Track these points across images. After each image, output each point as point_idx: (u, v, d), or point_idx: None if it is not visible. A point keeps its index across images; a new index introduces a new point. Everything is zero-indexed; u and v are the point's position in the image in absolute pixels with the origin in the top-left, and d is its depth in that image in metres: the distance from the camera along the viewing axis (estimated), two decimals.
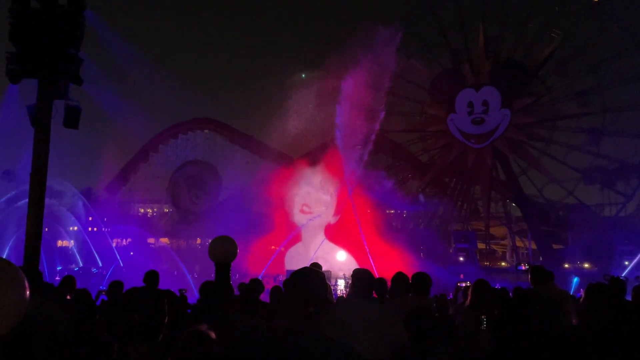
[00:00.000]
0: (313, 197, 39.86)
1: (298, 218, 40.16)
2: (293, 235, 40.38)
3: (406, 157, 56.01)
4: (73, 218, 41.26)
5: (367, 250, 36.23)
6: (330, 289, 6.48)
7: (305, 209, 39.99)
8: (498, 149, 51.74)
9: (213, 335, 3.11)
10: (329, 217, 40.41)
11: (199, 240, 41.95)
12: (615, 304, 5.13)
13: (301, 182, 39.70)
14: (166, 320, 3.21)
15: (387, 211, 54.98)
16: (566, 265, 33.58)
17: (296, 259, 35.34)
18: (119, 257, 38.62)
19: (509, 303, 6.29)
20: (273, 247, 41.89)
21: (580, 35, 51.56)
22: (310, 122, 41.70)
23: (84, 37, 12.52)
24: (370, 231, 39.02)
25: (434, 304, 10.04)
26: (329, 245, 39.27)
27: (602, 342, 3.96)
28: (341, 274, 33.50)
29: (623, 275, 26.07)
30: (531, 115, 51.22)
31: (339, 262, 37.41)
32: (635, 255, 32.25)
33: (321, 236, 40.01)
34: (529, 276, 7.66)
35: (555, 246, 45.65)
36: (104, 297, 9.15)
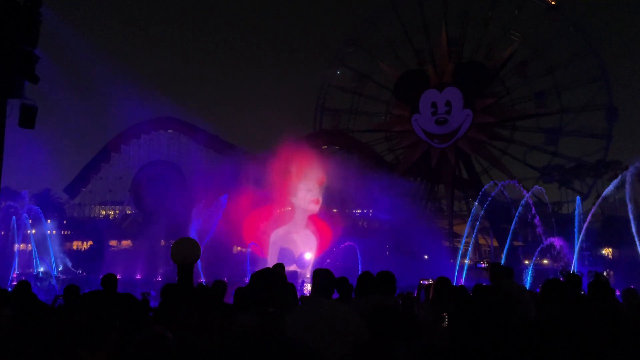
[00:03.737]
0: (313, 191, 39.53)
1: (308, 206, 39.67)
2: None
3: (371, 157, 56.48)
4: (30, 221, 39.91)
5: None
6: (295, 289, 6.45)
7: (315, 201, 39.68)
8: (461, 149, 52.77)
9: (169, 335, 3.08)
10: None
11: (162, 242, 41.22)
12: (570, 297, 5.31)
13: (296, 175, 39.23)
14: (117, 324, 3.14)
15: (354, 210, 55.35)
16: (526, 262, 34.54)
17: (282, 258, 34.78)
18: (69, 262, 37.58)
19: (468, 300, 6.43)
20: (239, 248, 41.57)
21: (539, 38, 53.30)
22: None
23: (40, 34, 12.16)
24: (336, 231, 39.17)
25: (400, 302, 10.18)
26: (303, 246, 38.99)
27: (557, 335, 4.07)
28: (308, 275, 33.50)
29: (577, 270, 26.95)
30: (492, 115, 52.47)
31: (308, 261, 37.31)
32: (591, 250, 33.37)
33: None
34: (488, 273, 7.82)
35: (515, 243, 46.86)
36: (61, 301, 8.92)
